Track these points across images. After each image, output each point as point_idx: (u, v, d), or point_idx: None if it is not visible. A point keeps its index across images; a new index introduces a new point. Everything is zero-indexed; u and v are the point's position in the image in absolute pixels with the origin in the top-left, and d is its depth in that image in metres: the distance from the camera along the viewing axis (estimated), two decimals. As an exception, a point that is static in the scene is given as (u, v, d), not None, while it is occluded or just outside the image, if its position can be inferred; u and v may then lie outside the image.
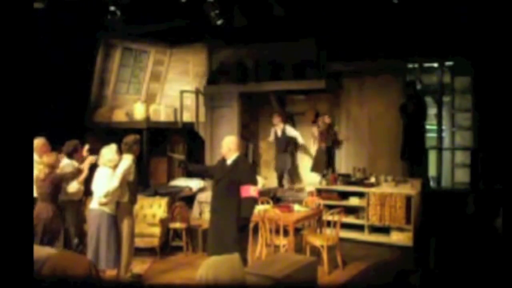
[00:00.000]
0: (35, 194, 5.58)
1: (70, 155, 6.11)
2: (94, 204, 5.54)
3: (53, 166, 5.65)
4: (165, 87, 11.54)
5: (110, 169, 5.55)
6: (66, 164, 6.02)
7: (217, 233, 4.98)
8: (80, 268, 3.37)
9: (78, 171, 5.94)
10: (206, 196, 8.55)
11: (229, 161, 5.10)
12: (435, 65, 9.31)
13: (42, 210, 5.50)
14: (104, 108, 10.64)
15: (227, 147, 5.10)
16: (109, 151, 5.62)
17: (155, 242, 6.84)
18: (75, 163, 6.09)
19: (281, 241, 5.99)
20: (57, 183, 5.66)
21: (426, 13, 7.89)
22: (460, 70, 9.24)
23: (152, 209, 7.38)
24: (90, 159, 5.98)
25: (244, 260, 4.78)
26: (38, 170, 5.57)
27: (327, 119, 9.22)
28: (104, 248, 5.41)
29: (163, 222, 7.03)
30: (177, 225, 7.21)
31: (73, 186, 5.98)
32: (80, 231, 6.16)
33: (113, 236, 5.49)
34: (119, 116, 10.56)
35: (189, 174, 10.75)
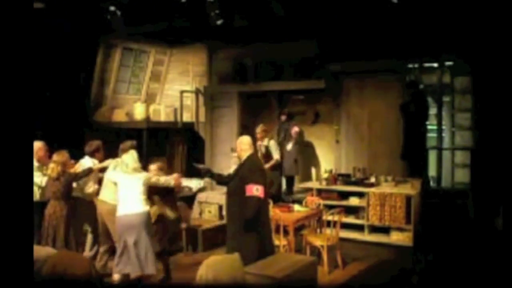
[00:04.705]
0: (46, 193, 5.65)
1: (91, 155, 6.10)
2: (133, 209, 5.31)
3: (64, 164, 5.65)
4: (165, 87, 11.55)
5: (142, 174, 5.50)
6: (85, 161, 6.03)
7: (227, 234, 5.03)
8: (80, 268, 3.36)
9: (89, 170, 5.90)
10: (206, 196, 8.56)
11: (241, 162, 5.11)
12: (435, 65, 9.31)
13: (56, 209, 5.53)
14: (104, 108, 10.66)
15: (239, 147, 5.08)
16: (132, 161, 5.47)
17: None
18: (96, 162, 6.07)
19: (281, 241, 5.99)
20: (69, 182, 5.68)
21: (426, 13, 7.89)
22: (460, 70, 9.23)
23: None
24: (109, 162, 5.89)
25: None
26: (51, 169, 5.59)
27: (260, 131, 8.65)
28: (151, 252, 5.27)
29: (163, 222, 7.02)
30: (177, 225, 7.21)
31: (90, 186, 6.02)
32: (96, 231, 6.14)
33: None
34: (119, 116, 10.58)
35: (190, 174, 10.76)
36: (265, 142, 8.57)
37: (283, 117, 9.54)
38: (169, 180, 5.78)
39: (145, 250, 5.22)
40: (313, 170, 8.69)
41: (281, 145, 9.42)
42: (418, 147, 8.60)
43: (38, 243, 5.33)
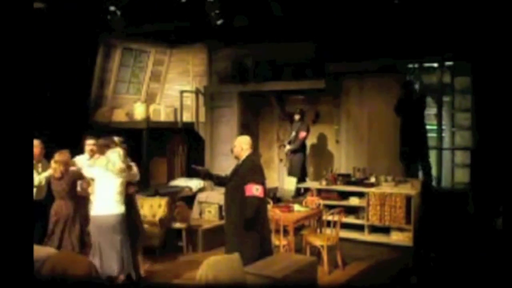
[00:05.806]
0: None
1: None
2: (106, 210, 5.22)
3: (66, 163, 5.67)
4: (165, 87, 11.56)
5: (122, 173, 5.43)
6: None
7: (226, 234, 5.01)
8: (80, 268, 3.37)
9: None
10: (206, 196, 8.56)
11: (240, 162, 5.06)
12: (435, 65, 9.31)
13: (61, 207, 5.55)
14: (104, 108, 10.65)
15: (240, 147, 5.00)
16: (119, 160, 5.35)
17: (155, 242, 6.84)
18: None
19: (281, 241, 5.99)
20: (73, 181, 5.69)
21: (426, 13, 7.89)
22: (460, 70, 9.23)
23: (152, 209, 7.37)
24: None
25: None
26: (53, 169, 5.62)
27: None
28: (119, 256, 5.20)
29: (163, 222, 7.03)
30: (177, 225, 7.21)
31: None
32: None
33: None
34: (119, 116, 10.57)
35: (190, 175, 10.77)
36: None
37: (297, 117, 9.30)
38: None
39: (112, 253, 5.15)
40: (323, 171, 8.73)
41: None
42: (418, 148, 8.54)
43: (38, 242, 5.32)
